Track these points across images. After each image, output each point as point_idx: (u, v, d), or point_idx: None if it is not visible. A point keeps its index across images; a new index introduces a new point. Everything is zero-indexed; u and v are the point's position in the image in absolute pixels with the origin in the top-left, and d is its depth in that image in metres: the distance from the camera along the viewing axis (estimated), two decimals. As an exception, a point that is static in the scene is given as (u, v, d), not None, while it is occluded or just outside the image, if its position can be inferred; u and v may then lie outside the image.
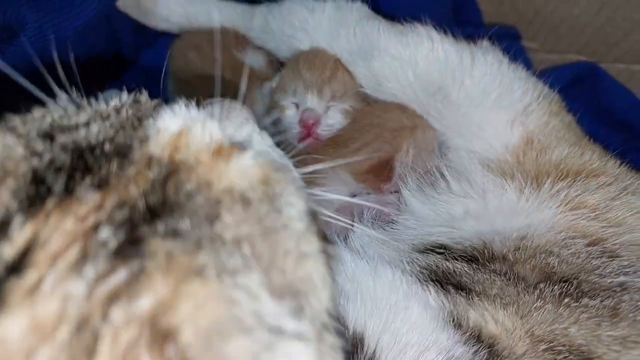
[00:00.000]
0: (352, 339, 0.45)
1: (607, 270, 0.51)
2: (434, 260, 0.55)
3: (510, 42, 1.00)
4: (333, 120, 0.73)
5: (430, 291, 0.51)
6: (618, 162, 0.66)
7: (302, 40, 0.76)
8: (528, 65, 1.11)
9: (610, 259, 0.52)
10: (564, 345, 0.45)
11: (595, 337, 0.46)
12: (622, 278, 0.50)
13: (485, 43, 0.71)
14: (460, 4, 1.13)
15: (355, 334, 0.46)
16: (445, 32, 0.75)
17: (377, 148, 0.72)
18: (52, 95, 0.36)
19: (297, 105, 0.74)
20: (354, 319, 0.47)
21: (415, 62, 0.67)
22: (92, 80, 0.83)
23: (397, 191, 0.71)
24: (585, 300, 0.48)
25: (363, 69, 0.71)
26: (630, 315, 0.47)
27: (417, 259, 0.56)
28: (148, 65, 0.91)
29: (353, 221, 0.65)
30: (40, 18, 0.70)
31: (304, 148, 0.74)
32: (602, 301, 0.48)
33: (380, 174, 0.71)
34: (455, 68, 0.65)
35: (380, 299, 0.49)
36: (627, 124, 1.20)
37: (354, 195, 0.72)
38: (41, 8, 0.70)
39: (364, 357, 0.44)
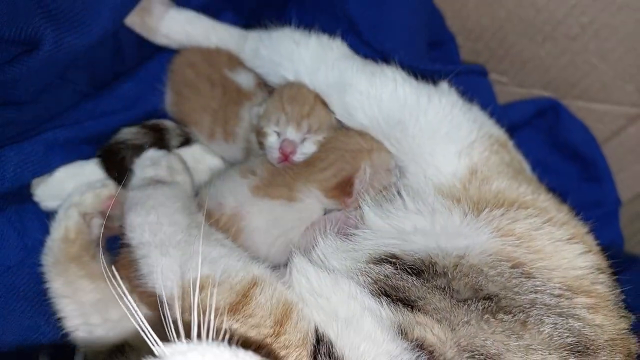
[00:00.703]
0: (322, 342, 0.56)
1: (523, 289, 0.61)
2: (385, 274, 0.63)
3: (477, 79, 1.12)
4: (307, 149, 0.85)
5: (382, 304, 0.60)
6: (549, 195, 0.77)
7: (288, 69, 0.86)
8: (491, 99, 1.22)
9: (527, 279, 0.62)
10: (481, 354, 0.55)
11: (505, 347, 0.56)
12: (532, 295, 0.61)
13: (444, 85, 0.83)
14: (441, 40, 1.23)
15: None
16: (412, 71, 0.86)
17: (339, 167, 0.83)
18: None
19: (278, 134, 0.85)
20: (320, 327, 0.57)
21: (380, 99, 0.78)
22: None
23: (358, 207, 0.81)
24: (501, 315, 0.58)
25: (337, 101, 0.82)
26: (534, 328, 0.58)
27: (371, 270, 0.64)
28: (149, 77, 0.98)
29: (320, 234, 0.74)
30: (57, 34, 0.78)
31: (281, 167, 0.85)
32: (514, 316, 0.59)
33: (343, 190, 0.82)
34: (412, 106, 0.77)
35: (339, 311, 0.59)
36: (581, 156, 1.31)
37: (325, 212, 0.83)
38: (58, 25, 0.78)
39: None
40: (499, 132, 0.82)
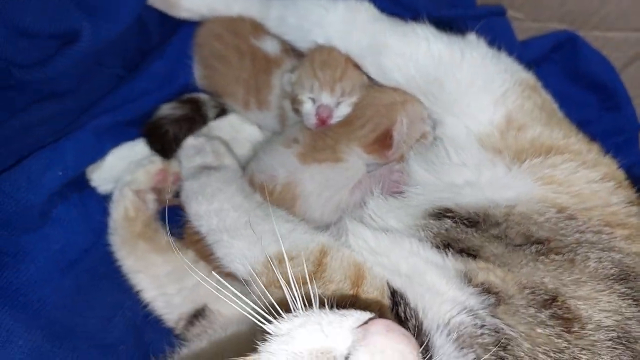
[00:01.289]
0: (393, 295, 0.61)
1: (568, 231, 0.67)
2: (445, 227, 0.68)
3: (496, 20, 1.12)
4: (343, 112, 0.88)
5: (447, 255, 0.64)
6: (579, 135, 0.80)
7: (319, 35, 0.87)
8: (512, 38, 1.22)
9: (570, 221, 0.68)
10: (540, 289, 0.61)
11: (560, 282, 0.62)
12: (577, 235, 0.66)
13: (473, 37, 0.83)
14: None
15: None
16: (435, 19, 0.86)
17: (376, 122, 0.86)
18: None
19: (313, 100, 0.88)
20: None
21: (416, 58, 0.79)
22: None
23: (402, 161, 0.85)
24: (552, 256, 0.64)
25: (372, 63, 0.84)
26: (582, 264, 0.64)
27: (431, 225, 0.68)
28: (175, 53, 0.99)
29: (368, 193, 0.79)
30: (93, 24, 0.81)
31: (320, 130, 0.89)
32: (563, 255, 0.64)
33: (382, 144, 0.85)
34: (447, 63, 0.79)
35: (401, 267, 0.63)
36: (601, 86, 1.33)
37: (369, 169, 0.87)
38: (93, 15, 0.82)
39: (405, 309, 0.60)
40: (527, 76, 0.83)
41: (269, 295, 0.54)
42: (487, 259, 0.64)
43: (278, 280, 0.58)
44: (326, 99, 0.86)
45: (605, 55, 1.31)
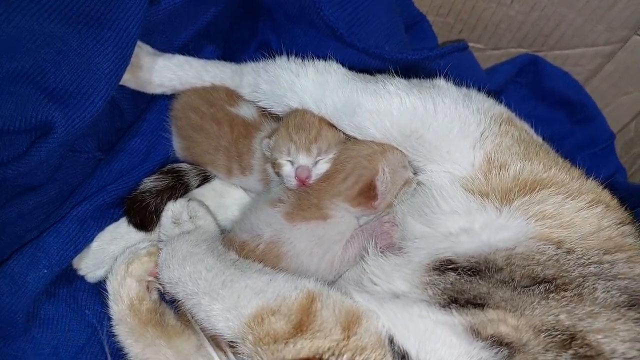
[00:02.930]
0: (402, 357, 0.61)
1: (570, 265, 0.67)
2: (450, 281, 0.68)
3: (460, 55, 1.16)
4: (321, 169, 0.89)
5: (452, 313, 0.64)
6: (559, 165, 0.81)
7: (292, 99, 0.88)
8: (478, 70, 1.26)
9: (570, 255, 0.68)
10: (556, 329, 0.60)
11: (576, 317, 0.62)
12: (580, 269, 0.66)
13: (441, 82, 0.85)
14: (413, 22, 1.25)
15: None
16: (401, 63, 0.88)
17: (359, 174, 0.85)
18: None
19: (291, 162, 0.89)
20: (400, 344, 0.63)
21: (390, 114, 0.81)
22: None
23: (390, 210, 0.86)
24: (561, 293, 0.64)
25: (347, 122, 0.85)
26: (590, 296, 0.64)
27: (436, 281, 0.69)
28: (151, 128, 0.99)
29: (365, 253, 0.78)
30: (65, 113, 0.80)
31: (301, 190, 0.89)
32: (571, 291, 0.64)
33: (367, 195, 0.85)
34: (421, 114, 0.80)
35: (413, 328, 0.64)
36: (568, 101, 1.38)
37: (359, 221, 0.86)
38: (65, 105, 0.80)
39: None
40: (501, 110, 0.85)
41: (260, 356, 0.54)
42: (497, 305, 0.64)
43: (266, 336, 0.60)
44: (303, 160, 0.88)
45: (567, 71, 1.36)
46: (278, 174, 0.91)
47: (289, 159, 0.89)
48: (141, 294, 0.82)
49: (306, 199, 0.87)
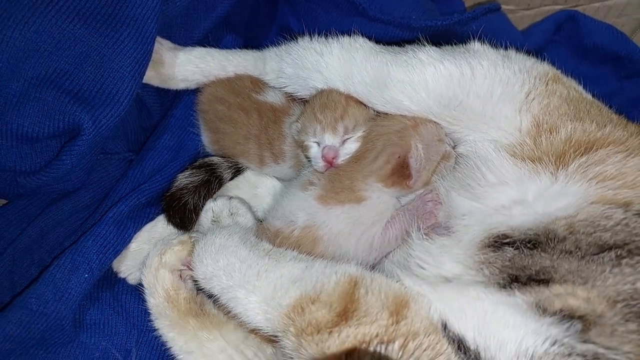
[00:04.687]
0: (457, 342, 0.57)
1: None
2: (508, 257, 0.63)
3: (492, 17, 1.09)
4: (349, 149, 0.85)
5: (514, 292, 0.60)
6: (614, 122, 0.74)
7: (318, 80, 0.84)
8: (514, 30, 1.18)
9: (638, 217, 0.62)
10: (635, 298, 0.55)
11: None
12: None
13: (476, 45, 0.80)
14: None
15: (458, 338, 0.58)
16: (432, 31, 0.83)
17: (390, 152, 0.81)
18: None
19: (318, 144, 0.86)
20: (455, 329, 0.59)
21: (425, 83, 0.76)
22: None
23: (430, 188, 0.82)
24: (636, 258, 0.58)
25: (379, 97, 0.80)
26: None
27: (492, 258, 0.64)
28: (179, 124, 0.98)
29: (407, 237, 0.74)
30: (92, 114, 0.80)
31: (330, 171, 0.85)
32: None
33: (401, 174, 0.80)
34: (459, 81, 0.75)
35: (470, 312, 0.60)
36: (614, 56, 1.27)
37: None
38: (91, 106, 0.80)
39: (471, 356, 0.56)
40: (545, 68, 0.79)
41: (304, 348, 0.51)
42: (564, 279, 0.59)
43: (308, 327, 0.57)
44: (329, 139, 0.84)
45: (610, 23, 1.26)
46: (307, 157, 0.88)
47: (315, 140, 0.86)
48: (176, 283, 0.81)
49: (338, 181, 0.84)
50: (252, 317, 0.65)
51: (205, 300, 0.83)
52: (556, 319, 0.56)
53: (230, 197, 0.91)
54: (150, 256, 0.84)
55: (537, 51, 1.14)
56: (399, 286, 0.64)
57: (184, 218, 0.90)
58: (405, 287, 0.64)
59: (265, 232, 0.83)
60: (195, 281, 0.77)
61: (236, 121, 0.93)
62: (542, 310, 0.57)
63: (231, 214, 0.87)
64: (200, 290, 0.80)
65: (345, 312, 0.59)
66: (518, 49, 0.82)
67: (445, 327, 0.60)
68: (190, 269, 0.82)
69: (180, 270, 0.84)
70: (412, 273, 0.69)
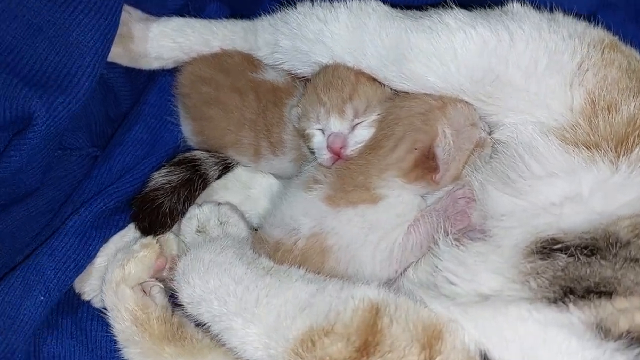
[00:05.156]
0: None
1: None
2: (561, 266, 0.56)
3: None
4: (361, 137, 0.76)
5: (568, 308, 0.53)
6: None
7: (321, 53, 0.76)
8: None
9: None
10: None
11: None
12: None
13: (516, 7, 0.71)
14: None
15: None
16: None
17: (412, 140, 0.72)
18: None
19: (322, 131, 0.77)
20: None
21: (454, 52, 0.67)
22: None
23: (461, 183, 0.72)
24: None
25: (396, 72, 0.72)
26: None
27: (542, 268, 0.57)
28: (154, 112, 0.89)
29: (433, 244, 0.66)
30: (47, 100, 0.72)
31: (337, 166, 0.76)
32: None
33: (425, 167, 0.72)
34: (495, 50, 0.66)
35: (511, 336, 0.53)
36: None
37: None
38: (45, 90, 0.73)
39: None
40: (600, 34, 0.70)
41: None
42: (630, 291, 0.53)
43: None
44: (335, 125, 0.75)
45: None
46: (310, 149, 0.79)
47: (319, 126, 0.76)
48: (141, 301, 0.72)
49: (349, 177, 0.74)
50: (250, 353, 0.59)
51: (184, 321, 0.74)
52: (622, 344, 0.50)
53: (219, 203, 0.83)
54: (109, 269, 0.75)
55: (588, 16, 1.04)
56: (429, 312, 0.58)
57: (155, 222, 0.80)
58: (434, 314, 0.58)
59: (263, 243, 0.75)
60: (171, 296, 0.71)
61: (226, 105, 0.84)
62: (604, 332, 0.51)
63: (220, 224, 0.79)
64: (177, 306, 0.71)
65: (366, 347, 0.54)
66: (565, 12, 0.73)
67: (485, 358, 0.54)
68: (162, 278, 0.76)
69: (142, 284, 0.75)
70: (439, 293, 0.62)
